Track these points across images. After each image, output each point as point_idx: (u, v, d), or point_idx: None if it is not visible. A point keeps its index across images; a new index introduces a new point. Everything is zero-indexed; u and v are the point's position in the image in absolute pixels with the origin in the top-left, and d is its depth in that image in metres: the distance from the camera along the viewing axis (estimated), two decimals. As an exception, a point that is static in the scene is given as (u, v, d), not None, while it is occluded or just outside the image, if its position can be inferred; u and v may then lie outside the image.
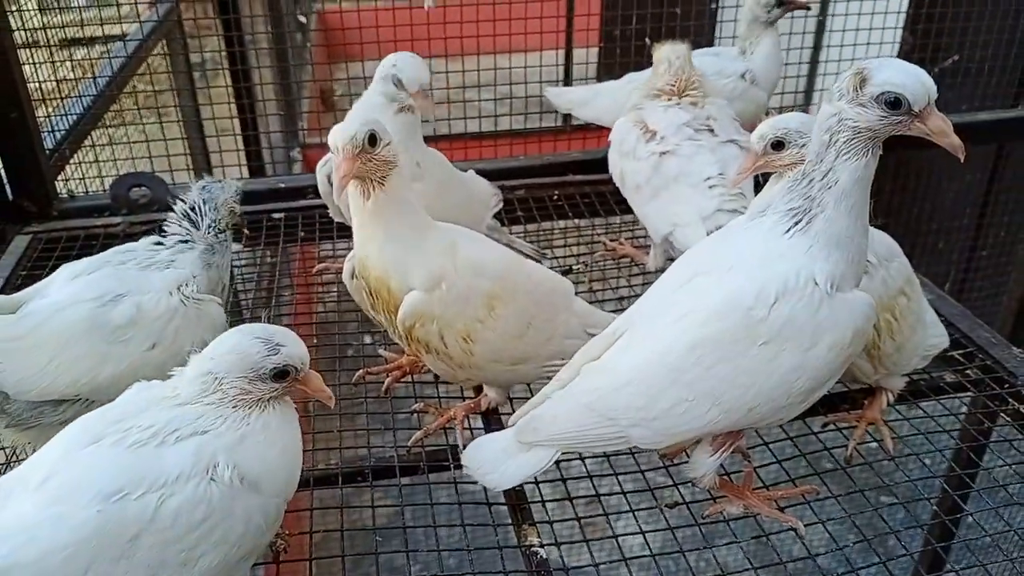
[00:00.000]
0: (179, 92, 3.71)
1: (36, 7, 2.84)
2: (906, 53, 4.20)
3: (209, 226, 1.80)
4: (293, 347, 1.32)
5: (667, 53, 2.37)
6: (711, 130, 2.28)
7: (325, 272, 2.40)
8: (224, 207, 1.84)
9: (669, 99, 2.35)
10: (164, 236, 1.80)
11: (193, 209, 1.81)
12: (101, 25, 3.02)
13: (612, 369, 1.49)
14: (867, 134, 1.34)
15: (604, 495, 1.70)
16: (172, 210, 1.84)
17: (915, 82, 1.31)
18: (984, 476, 1.89)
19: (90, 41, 3.20)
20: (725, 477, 1.65)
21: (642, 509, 1.67)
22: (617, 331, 1.54)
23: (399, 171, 1.61)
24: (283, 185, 2.77)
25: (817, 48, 4.38)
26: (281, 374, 1.30)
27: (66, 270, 1.71)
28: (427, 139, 2.23)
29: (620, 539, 1.60)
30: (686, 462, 1.76)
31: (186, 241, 1.78)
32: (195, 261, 1.74)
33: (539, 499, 1.68)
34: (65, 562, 1.13)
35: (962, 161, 1.39)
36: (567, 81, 3.85)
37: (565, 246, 2.69)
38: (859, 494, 1.72)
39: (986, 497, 1.72)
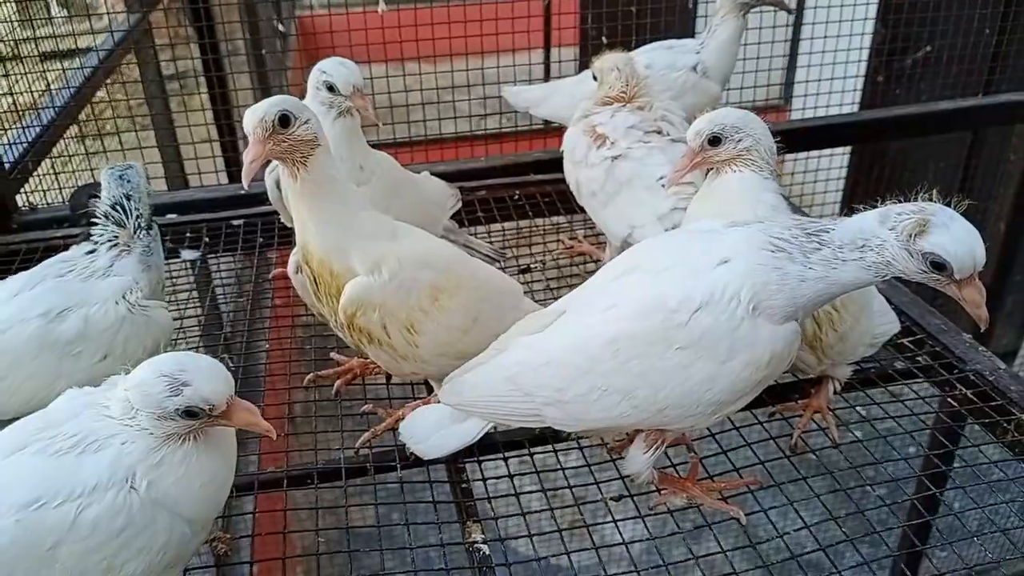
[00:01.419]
0: (150, 102, 3.72)
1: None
2: (879, 44, 4.23)
3: (137, 220, 1.77)
4: (201, 387, 1.22)
5: (614, 61, 2.37)
6: (659, 131, 2.29)
7: (282, 276, 2.41)
8: (144, 195, 1.81)
9: (619, 106, 2.36)
10: (94, 242, 1.77)
11: (116, 206, 1.78)
12: (72, 35, 3.02)
13: (538, 347, 1.51)
14: (895, 271, 1.33)
15: (550, 490, 1.71)
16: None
17: (967, 254, 1.28)
18: (929, 461, 1.90)
19: (61, 55, 3.21)
20: (667, 470, 1.67)
21: (587, 502, 1.68)
22: (555, 311, 1.56)
23: (323, 151, 1.60)
24: (243, 192, 2.76)
25: (795, 40, 4.42)
26: (190, 413, 1.23)
27: (5, 287, 1.71)
28: (408, 144, 2.24)
29: (564, 534, 1.61)
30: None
31: (117, 244, 1.75)
32: (135, 265, 1.74)
33: (485, 496, 1.69)
34: None
35: (981, 331, 1.40)
36: (546, 80, 3.86)
37: (525, 245, 2.71)
38: (803, 482, 1.73)
39: (931, 483, 1.74)
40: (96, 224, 1.81)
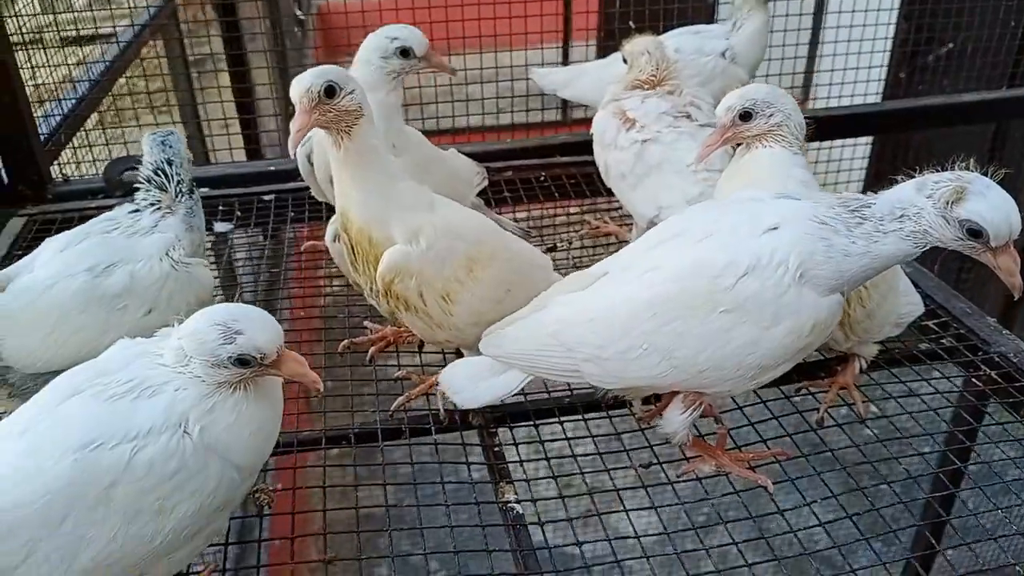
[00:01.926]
0: (175, 82, 3.77)
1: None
2: (901, 39, 4.23)
3: (178, 185, 1.81)
4: (254, 336, 1.25)
5: (644, 45, 2.40)
6: (689, 116, 2.32)
7: (313, 249, 2.44)
8: (185, 160, 1.85)
9: (646, 91, 2.38)
10: (137, 204, 1.81)
11: (158, 171, 1.81)
12: (108, 18, 3.07)
13: (580, 305, 1.55)
14: (933, 240, 1.36)
15: (580, 456, 1.74)
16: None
17: (1003, 221, 1.31)
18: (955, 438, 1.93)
19: (90, 39, 3.26)
20: (699, 438, 1.69)
21: (617, 468, 1.71)
22: (596, 273, 1.60)
23: (367, 120, 1.63)
24: (272, 168, 2.82)
25: (816, 31, 4.41)
26: (242, 361, 1.26)
27: (51, 244, 1.75)
28: (425, 135, 2.27)
29: (595, 496, 1.64)
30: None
31: (160, 207, 1.79)
32: (178, 225, 1.78)
33: (517, 459, 1.73)
34: (43, 509, 1.18)
35: (1016, 299, 1.42)
36: None
37: (552, 226, 2.74)
38: (830, 454, 1.76)
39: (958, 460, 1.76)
40: (138, 190, 1.85)
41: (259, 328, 1.27)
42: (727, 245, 1.44)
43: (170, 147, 1.85)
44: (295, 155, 2.16)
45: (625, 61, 2.44)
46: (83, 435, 1.21)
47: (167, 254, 1.71)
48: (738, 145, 1.89)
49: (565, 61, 3.82)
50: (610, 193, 2.70)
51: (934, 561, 1.71)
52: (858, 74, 3.71)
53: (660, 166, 2.23)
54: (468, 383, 1.62)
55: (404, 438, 1.76)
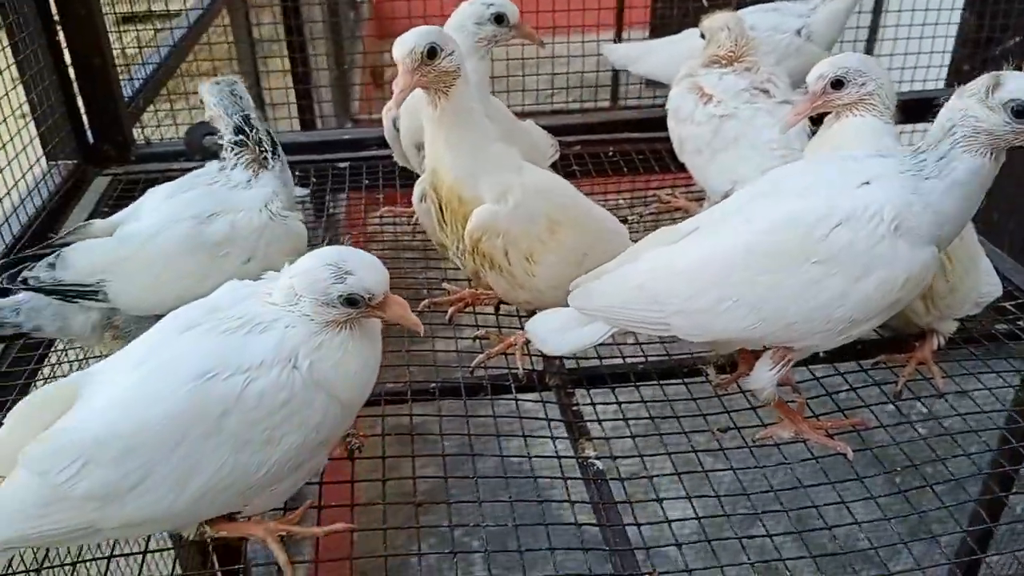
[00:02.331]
0: (240, 55, 3.87)
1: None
2: (966, 33, 4.16)
3: (260, 144, 1.83)
4: (364, 275, 1.30)
5: (724, 20, 2.40)
6: (766, 92, 2.32)
7: (389, 213, 2.49)
8: (255, 111, 1.87)
9: (724, 67, 2.38)
10: (225, 163, 1.85)
11: (240, 131, 1.84)
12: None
13: (669, 257, 1.57)
14: (987, 138, 1.38)
15: (658, 418, 1.76)
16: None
17: None
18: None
19: (162, 15, 3.35)
20: (783, 401, 1.70)
21: (695, 432, 1.73)
22: (687, 228, 1.62)
23: (464, 80, 1.66)
24: (348, 136, 2.87)
25: (876, 16, 4.34)
26: (351, 301, 1.30)
27: (155, 193, 1.81)
28: None
29: (673, 456, 1.67)
30: (738, 392, 1.84)
31: (247, 163, 1.82)
32: (275, 180, 1.83)
33: (595, 419, 1.76)
34: (159, 434, 1.23)
35: None
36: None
37: (620, 200, 2.75)
38: (908, 425, 1.76)
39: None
40: (220, 149, 1.89)
41: (368, 269, 1.31)
42: (820, 198, 1.46)
43: (241, 98, 1.87)
44: (398, 111, 2.23)
45: (703, 36, 2.44)
46: (198, 366, 1.26)
47: (266, 206, 1.76)
48: (822, 116, 1.89)
49: None
50: (680, 168, 2.71)
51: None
52: (919, 60, 3.64)
53: (737, 141, 2.24)
54: (553, 333, 1.66)
55: (486, 395, 1.79)
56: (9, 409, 1.72)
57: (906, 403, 1.84)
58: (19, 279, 1.64)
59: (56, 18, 2.48)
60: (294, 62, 3.83)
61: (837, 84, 1.76)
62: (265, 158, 1.84)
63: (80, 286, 1.64)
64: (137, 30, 3.01)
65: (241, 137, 1.84)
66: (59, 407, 1.30)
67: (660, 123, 2.95)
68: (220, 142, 1.90)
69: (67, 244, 1.70)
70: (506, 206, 1.72)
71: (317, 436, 1.32)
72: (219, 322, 1.32)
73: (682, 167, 2.66)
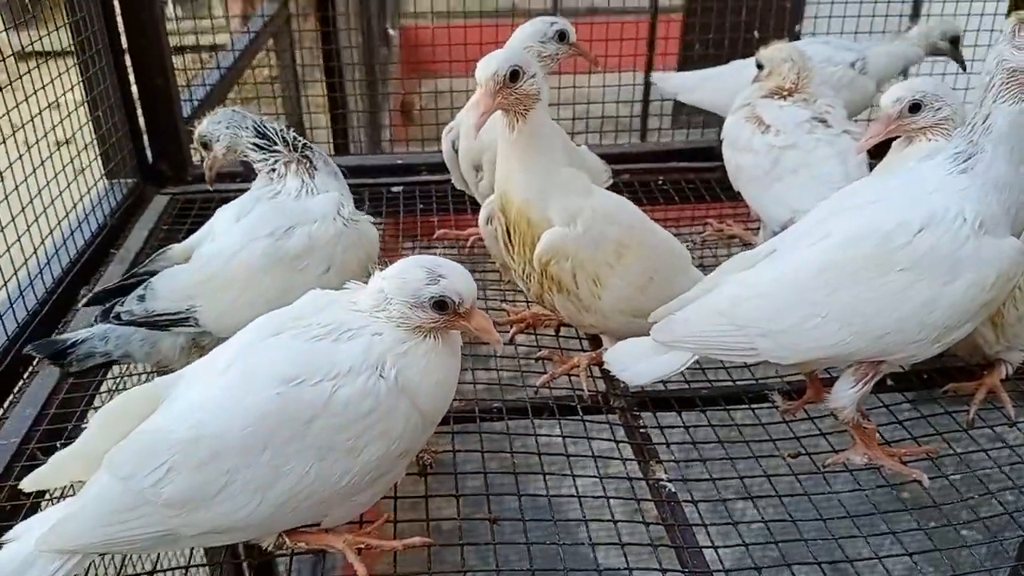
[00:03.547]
0: (284, 84, 3.94)
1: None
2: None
3: (284, 138, 1.83)
4: (455, 281, 1.31)
5: (787, 52, 2.42)
6: (824, 122, 2.33)
7: (445, 237, 2.50)
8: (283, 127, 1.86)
9: (783, 98, 2.40)
10: (264, 170, 1.85)
11: (260, 134, 1.83)
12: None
13: (751, 281, 1.56)
14: (1022, 77, 1.38)
15: (727, 442, 1.74)
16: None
17: None
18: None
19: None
20: (862, 422, 1.68)
21: (765, 456, 1.71)
22: (762, 253, 1.61)
23: (542, 105, 1.67)
24: (400, 161, 2.90)
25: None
26: (440, 305, 1.30)
27: (223, 214, 1.83)
28: None
29: (745, 480, 1.64)
30: (806, 418, 1.82)
31: (284, 162, 1.81)
32: (332, 181, 1.83)
33: (664, 441, 1.74)
34: (246, 437, 1.23)
35: None
36: (645, 102, 3.88)
37: (674, 228, 2.74)
38: (983, 453, 1.73)
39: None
40: (256, 157, 1.87)
41: (460, 276, 1.32)
42: (898, 206, 1.46)
43: (242, 114, 1.87)
44: (452, 137, 2.26)
45: (760, 67, 2.45)
46: (287, 371, 1.26)
47: (338, 212, 1.76)
48: (882, 148, 1.90)
49: (647, 85, 3.84)
50: (732, 198, 2.71)
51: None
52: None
53: (797, 171, 2.25)
54: (634, 362, 1.64)
55: (552, 415, 1.78)
56: (80, 412, 1.77)
57: (977, 431, 1.81)
58: (112, 315, 1.66)
59: (124, 40, 2.54)
60: (332, 89, 3.88)
61: (914, 108, 1.77)
62: (307, 156, 1.83)
63: (172, 314, 1.67)
64: (186, 61, 3.07)
65: (265, 141, 1.84)
66: (143, 411, 1.30)
67: (710, 153, 2.99)
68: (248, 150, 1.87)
69: (151, 273, 1.73)
70: (575, 229, 1.72)
71: (398, 447, 1.31)
72: (305, 329, 1.32)
73: (733, 196, 2.67)
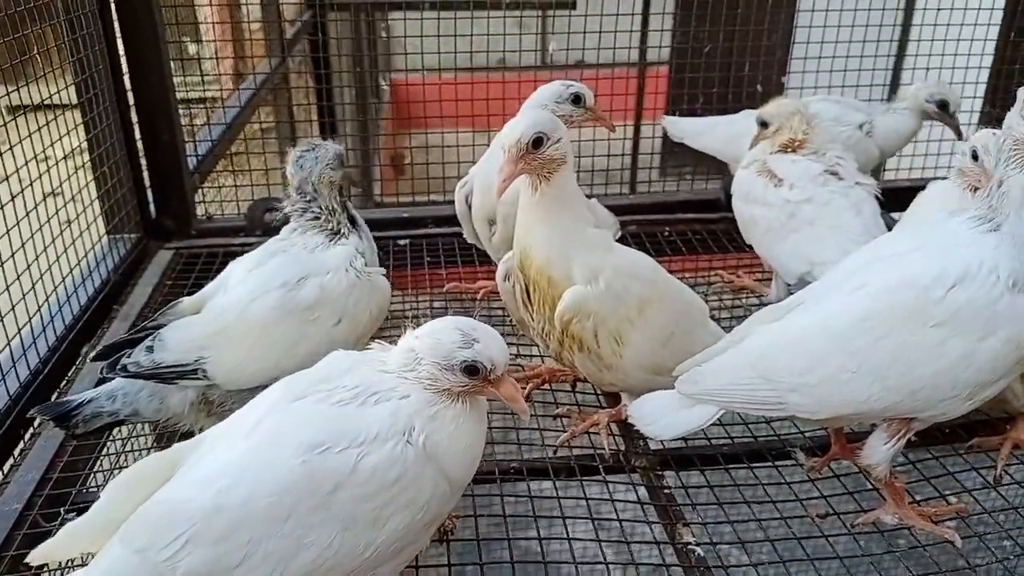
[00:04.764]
0: (280, 138, 3.94)
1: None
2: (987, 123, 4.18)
3: (319, 205, 1.83)
4: (489, 346, 1.28)
5: (795, 106, 2.44)
6: (836, 174, 2.33)
7: (455, 290, 2.47)
8: (325, 175, 1.86)
9: (794, 152, 2.40)
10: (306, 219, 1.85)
11: (300, 190, 1.85)
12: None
13: (779, 332, 1.53)
14: None
15: (753, 503, 1.70)
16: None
17: None
18: None
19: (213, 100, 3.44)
20: (895, 480, 1.64)
21: (793, 517, 1.66)
22: (791, 304, 1.58)
23: (567, 168, 1.66)
24: (406, 215, 2.88)
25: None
26: (471, 370, 1.27)
27: (238, 265, 1.80)
28: None
29: (775, 543, 1.59)
30: (831, 475, 1.78)
31: (321, 223, 1.82)
32: (355, 237, 1.82)
33: (689, 502, 1.69)
34: (269, 508, 1.18)
35: None
36: (635, 153, 3.90)
37: (681, 280, 2.72)
38: (1015, 512, 1.69)
39: None
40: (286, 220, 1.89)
41: (494, 342, 1.29)
42: (933, 257, 1.44)
43: (302, 166, 1.87)
44: (466, 192, 2.24)
45: (764, 124, 2.46)
46: (312, 437, 1.21)
47: (351, 264, 1.74)
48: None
49: (636, 138, 3.87)
50: (738, 248, 2.71)
51: None
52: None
53: (813, 223, 2.25)
54: (659, 417, 1.61)
55: (574, 476, 1.74)
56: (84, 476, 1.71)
57: (1004, 487, 1.77)
58: (118, 367, 1.62)
59: (129, 92, 2.53)
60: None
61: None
62: (338, 230, 1.84)
63: (180, 366, 1.62)
64: (191, 113, 3.06)
65: (303, 204, 1.85)
66: (160, 477, 1.25)
67: (716, 204, 3.00)
68: (281, 214, 1.91)
69: (160, 326, 1.69)
70: (597, 287, 1.69)
71: (424, 516, 1.26)
72: (331, 392, 1.27)
73: (740, 247, 2.67)
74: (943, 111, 2.78)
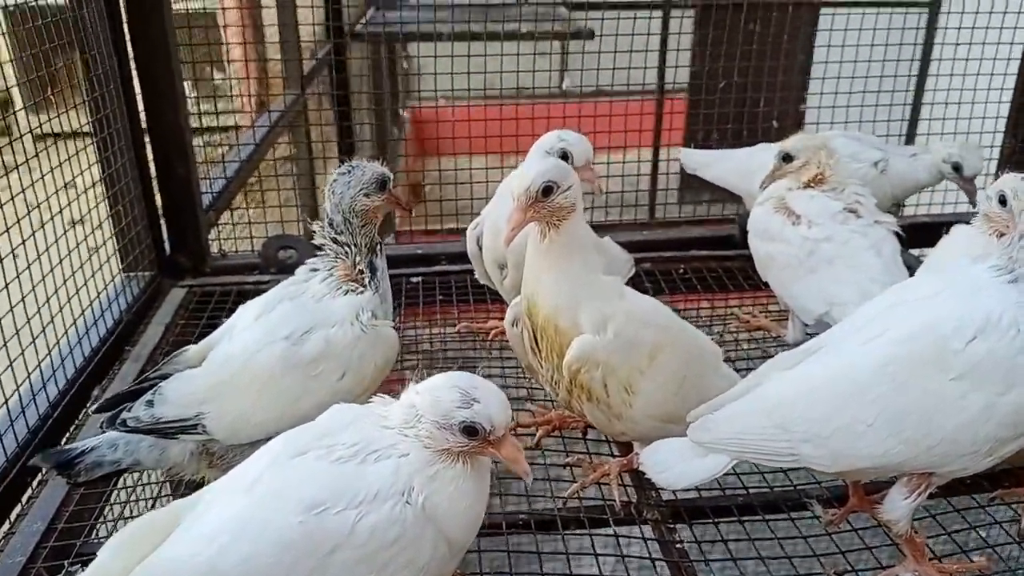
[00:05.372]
0: (299, 175, 3.96)
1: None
2: (1007, 157, 4.12)
3: (354, 242, 1.74)
4: (489, 406, 1.25)
5: (821, 140, 2.41)
6: (855, 212, 2.29)
7: (466, 331, 2.45)
8: (348, 206, 1.73)
9: (813, 188, 2.37)
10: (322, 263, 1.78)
11: (330, 224, 1.75)
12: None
13: (794, 379, 1.49)
14: None
15: (768, 558, 1.65)
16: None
17: None
18: None
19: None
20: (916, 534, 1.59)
21: (809, 574, 1.62)
22: (808, 350, 1.54)
23: (577, 215, 1.64)
24: (420, 251, 2.87)
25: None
26: (470, 431, 1.24)
27: (245, 312, 1.77)
28: None
29: (790, 602, 1.55)
30: (849, 529, 1.73)
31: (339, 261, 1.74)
32: (368, 293, 1.75)
33: (702, 559, 1.65)
34: (269, 567, 1.16)
35: None
36: (653, 180, 3.90)
37: (696, 319, 2.69)
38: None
39: None
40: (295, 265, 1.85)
41: (495, 402, 1.26)
42: (955, 306, 1.41)
43: (333, 192, 1.74)
44: (477, 234, 2.23)
45: (787, 158, 2.42)
46: (310, 497, 1.20)
47: (357, 317, 1.69)
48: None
49: (654, 160, 3.86)
50: (754, 286, 2.67)
51: None
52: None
53: (832, 262, 2.21)
54: (670, 464, 1.57)
55: (583, 528, 1.70)
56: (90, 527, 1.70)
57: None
58: (118, 421, 1.60)
59: (145, 127, 2.53)
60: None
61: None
62: (360, 279, 1.76)
63: (180, 421, 1.60)
64: (206, 143, 3.08)
65: (327, 239, 1.76)
66: (159, 534, 1.23)
67: (731, 241, 2.96)
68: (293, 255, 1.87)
69: (164, 376, 1.68)
70: (606, 336, 1.66)
71: (422, 578, 1.24)
72: (331, 449, 1.25)
73: (755, 285, 2.63)
74: (957, 173, 2.75)
